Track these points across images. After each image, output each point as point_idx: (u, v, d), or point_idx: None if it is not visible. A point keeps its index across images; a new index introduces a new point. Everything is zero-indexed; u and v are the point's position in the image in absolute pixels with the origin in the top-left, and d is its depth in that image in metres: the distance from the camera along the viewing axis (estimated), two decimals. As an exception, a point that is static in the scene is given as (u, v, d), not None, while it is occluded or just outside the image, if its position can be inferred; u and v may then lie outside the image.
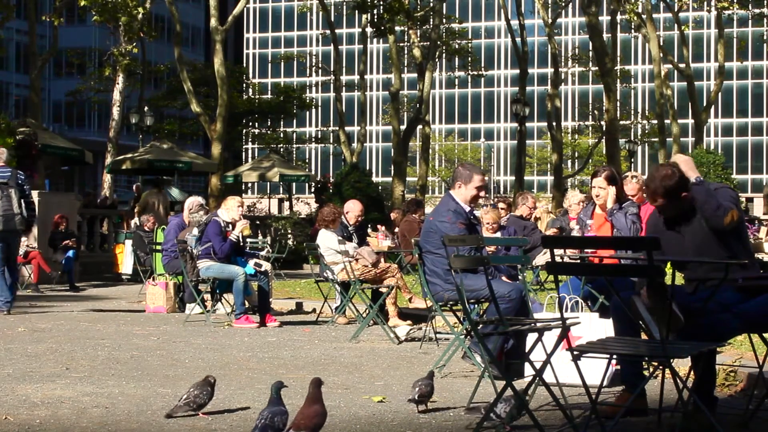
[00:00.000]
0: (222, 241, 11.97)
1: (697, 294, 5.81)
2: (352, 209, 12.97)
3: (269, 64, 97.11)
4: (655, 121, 51.80)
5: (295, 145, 65.95)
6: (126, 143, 51.47)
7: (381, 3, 37.27)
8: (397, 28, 41.16)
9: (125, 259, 20.99)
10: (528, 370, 7.08)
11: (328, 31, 44.54)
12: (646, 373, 6.38)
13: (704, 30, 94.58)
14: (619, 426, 5.55)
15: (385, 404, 6.47)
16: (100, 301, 15.49)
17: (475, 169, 8.51)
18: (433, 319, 9.80)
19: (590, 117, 71.36)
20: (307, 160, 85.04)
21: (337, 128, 45.04)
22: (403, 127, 40.39)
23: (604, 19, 54.71)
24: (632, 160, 54.90)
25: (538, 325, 5.92)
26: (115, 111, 39.82)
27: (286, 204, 40.59)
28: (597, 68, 41.95)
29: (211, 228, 12.04)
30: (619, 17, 44.47)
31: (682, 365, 6.69)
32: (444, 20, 45.04)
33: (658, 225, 6.11)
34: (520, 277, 8.85)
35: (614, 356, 5.51)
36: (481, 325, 6.86)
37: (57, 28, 39.02)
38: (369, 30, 40.15)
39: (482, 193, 8.45)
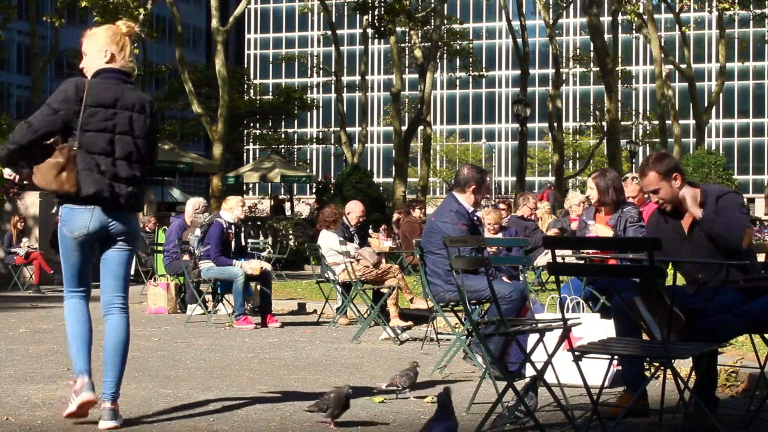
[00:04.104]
0: (220, 247, 11.96)
1: (699, 295, 5.80)
2: (354, 210, 12.96)
3: (270, 65, 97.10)
4: (657, 122, 51.82)
5: (296, 146, 65.91)
6: (127, 144, 51.41)
7: (382, 4, 37.27)
8: (398, 29, 41.16)
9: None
10: (529, 371, 7.07)
11: (329, 32, 44.51)
12: (647, 373, 6.38)
13: (705, 30, 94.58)
14: (621, 427, 5.54)
15: (386, 404, 6.46)
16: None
17: (485, 173, 8.56)
18: (434, 320, 9.80)
19: (591, 118, 71.34)
20: (308, 161, 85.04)
21: (339, 129, 45.03)
22: (404, 128, 40.38)
23: (606, 19, 54.72)
24: (633, 160, 54.87)
25: (540, 325, 5.92)
26: (117, 112, 39.77)
27: (287, 205, 40.61)
28: (598, 69, 42.00)
29: (213, 231, 12.03)
30: (620, 18, 44.45)
31: (684, 366, 6.69)
32: (445, 21, 45.01)
33: (659, 227, 6.11)
34: (521, 278, 8.85)
35: (615, 357, 5.51)
36: (482, 326, 6.86)
37: (58, 29, 39.04)
38: (370, 31, 40.13)
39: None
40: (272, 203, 37.59)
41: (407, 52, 52.50)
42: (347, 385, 5.77)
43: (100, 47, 5.77)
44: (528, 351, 5.81)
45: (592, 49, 41.40)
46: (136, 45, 36.53)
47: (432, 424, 4.79)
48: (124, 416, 5.81)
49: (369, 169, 49.44)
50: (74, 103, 5.59)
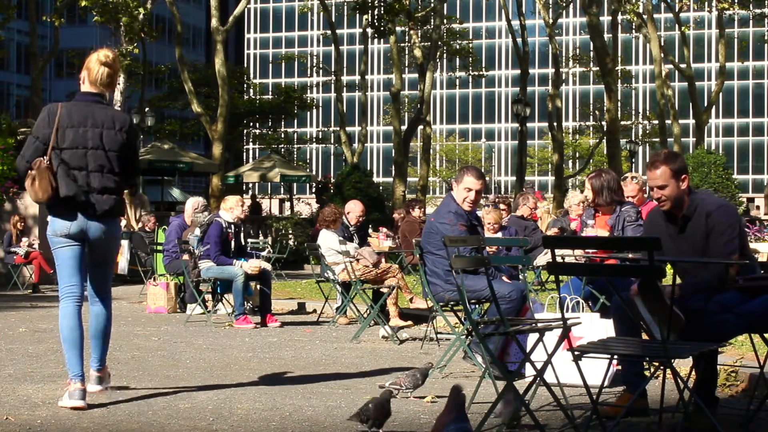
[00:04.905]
0: (219, 246, 11.95)
1: (698, 294, 5.80)
2: (353, 210, 12.96)
3: (270, 65, 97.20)
4: (656, 122, 51.77)
5: (295, 146, 65.95)
6: (127, 144, 51.39)
7: (381, 3, 37.23)
8: (397, 29, 41.13)
9: (121, 259, 20.98)
10: (529, 371, 7.07)
11: (328, 32, 44.48)
12: (647, 373, 6.38)
13: (705, 30, 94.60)
14: (621, 426, 5.55)
15: (386, 404, 6.46)
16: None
17: (469, 171, 8.35)
18: (434, 320, 9.80)
19: (591, 117, 71.32)
20: (307, 161, 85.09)
21: (338, 128, 45.03)
22: (404, 128, 40.36)
23: (605, 19, 54.71)
24: (633, 160, 54.87)
25: (539, 325, 5.92)
26: (116, 111, 39.72)
27: (287, 204, 40.57)
28: (598, 68, 41.94)
29: (212, 231, 12.03)
30: (620, 17, 44.44)
31: (683, 365, 6.69)
32: (445, 20, 44.98)
33: (656, 228, 6.11)
34: (521, 278, 8.84)
35: (615, 356, 5.51)
36: (482, 326, 6.86)
37: (58, 29, 39.03)
38: (369, 31, 40.12)
39: (471, 196, 8.19)
40: (250, 203, 37.45)
41: (407, 52, 52.47)
42: (388, 389, 5.63)
43: (81, 72, 6.57)
44: (528, 351, 5.81)
45: (591, 48, 41.35)
46: (135, 45, 36.61)
47: (447, 426, 4.59)
48: (124, 416, 5.81)
49: (369, 168, 49.32)
50: (47, 127, 6.40)
